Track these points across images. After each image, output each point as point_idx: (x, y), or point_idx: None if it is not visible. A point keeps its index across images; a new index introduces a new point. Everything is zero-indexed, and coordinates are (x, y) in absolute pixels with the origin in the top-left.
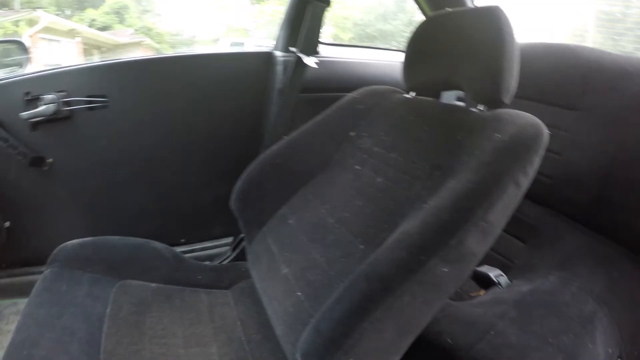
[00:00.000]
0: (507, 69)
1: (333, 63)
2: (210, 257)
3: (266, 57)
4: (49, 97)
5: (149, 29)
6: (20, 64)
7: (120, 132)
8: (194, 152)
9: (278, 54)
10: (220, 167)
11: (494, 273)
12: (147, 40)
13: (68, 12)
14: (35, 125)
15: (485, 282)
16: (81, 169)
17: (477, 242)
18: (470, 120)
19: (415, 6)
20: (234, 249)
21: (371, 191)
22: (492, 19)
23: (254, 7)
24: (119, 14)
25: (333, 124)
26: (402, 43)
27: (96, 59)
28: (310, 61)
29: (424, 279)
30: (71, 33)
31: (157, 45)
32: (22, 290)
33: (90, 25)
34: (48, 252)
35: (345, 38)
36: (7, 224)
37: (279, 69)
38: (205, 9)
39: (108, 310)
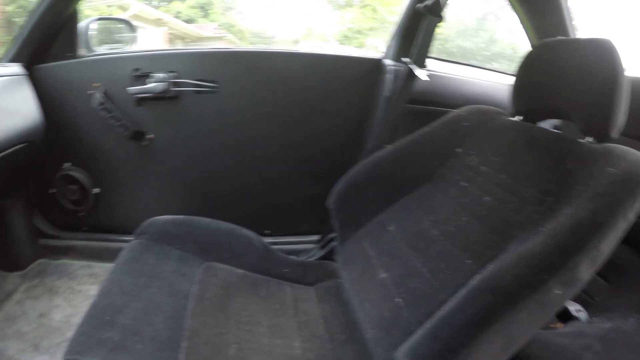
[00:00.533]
0: (618, 103)
1: (439, 77)
2: (294, 252)
3: (375, 64)
4: (160, 75)
5: (232, 26)
6: (127, 42)
7: (224, 118)
8: (292, 148)
9: (388, 62)
10: (316, 166)
11: (573, 307)
12: (229, 36)
13: (155, 2)
14: (140, 101)
15: (564, 316)
16: (179, 149)
17: (587, 269)
18: (582, 151)
19: (496, 25)
20: (322, 247)
21: (478, 209)
22: (605, 51)
23: (335, 14)
24: (204, 9)
25: (439, 138)
26: (482, 61)
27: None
28: (421, 73)
29: (541, 298)
30: (158, 22)
31: (238, 42)
32: (98, 255)
33: (176, 17)
34: (131, 223)
35: None
36: (97, 190)
37: (389, 77)
38: (286, 12)
39: (194, 289)
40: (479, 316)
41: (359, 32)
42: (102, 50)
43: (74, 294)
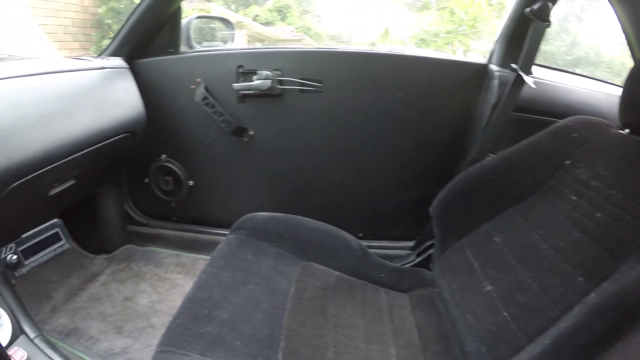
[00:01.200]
0: None
1: (543, 85)
2: (386, 257)
3: (481, 70)
4: (265, 73)
5: (309, 29)
6: (226, 40)
7: (326, 118)
8: (391, 151)
9: (494, 68)
10: (415, 171)
11: None
12: (307, 39)
13: (233, 7)
14: (243, 98)
15: None
16: (279, 147)
17: None
18: None
19: (579, 28)
20: (418, 254)
21: (589, 225)
22: None
23: (411, 17)
24: (281, 12)
25: (547, 148)
26: (563, 66)
27: None
28: (529, 80)
29: None
30: (238, 25)
31: (315, 45)
32: (187, 245)
33: (254, 20)
34: (223, 217)
35: None
36: (191, 182)
37: (495, 83)
38: (363, 15)
39: (292, 288)
40: (604, 333)
41: (436, 35)
42: (199, 47)
43: (160, 281)
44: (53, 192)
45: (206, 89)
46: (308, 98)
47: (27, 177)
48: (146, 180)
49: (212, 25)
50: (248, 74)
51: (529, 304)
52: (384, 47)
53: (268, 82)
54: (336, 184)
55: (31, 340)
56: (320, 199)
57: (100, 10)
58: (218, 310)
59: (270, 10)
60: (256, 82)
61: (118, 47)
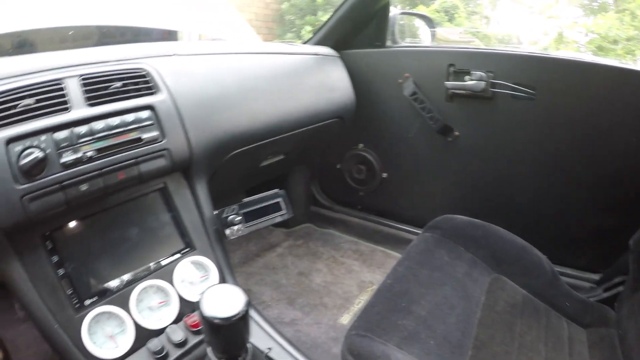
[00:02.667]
0: None
1: None
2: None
3: None
4: (479, 74)
5: (477, 31)
6: (425, 37)
7: (535, 129)
8: (594, 171)
9: None
10: (615, 196)
11: None
12: (476, 41)
13: (399, 6)
14: (452, 97)
15: None
16: (482, 152)
17: None
18: None
19: None
20: (605, 290)
21: None
22: None
23: (587, 20)
24: (449, 13)
25: None
26: None
27: None
28: None
29: None
30: None
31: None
32: (368, 235)
33: None
34: (411, 214)
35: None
36: (385, 175)
37: None
38: (533, 17)
39: (483, 298)
40: None
41: (614, 41)
42: (403, 43)
43: (336, 264)
44: (264, 163)
45: (414, 84)
46: (519, 104)
47: (250, 146)
48: (338, 166)
49: (412, 22)
50: (460, 73)
51: None
52: (560, 53)
53: (482, 84)
54: (531, 198)
55: None
56: (513, 211)
57: (282, 6)
58: (415, 305)
59: (437, 11)
60: (470, 83)
61: (324, 36)
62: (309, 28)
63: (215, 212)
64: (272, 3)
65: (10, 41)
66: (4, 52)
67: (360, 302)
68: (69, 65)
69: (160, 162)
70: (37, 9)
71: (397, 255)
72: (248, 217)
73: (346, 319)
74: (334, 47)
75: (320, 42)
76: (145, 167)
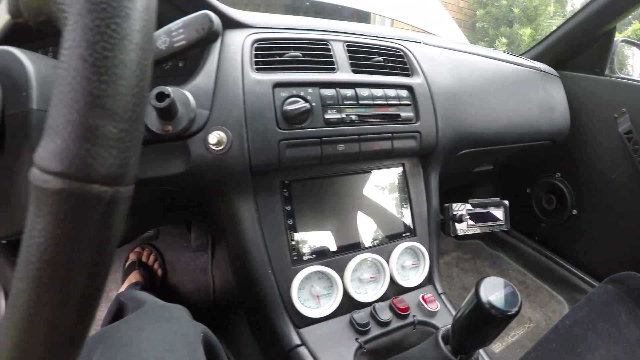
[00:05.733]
0: None
1: None
2: None
3: None
4: None
5: None
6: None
7: None
8: None
9: None
10: None
11: None
12: None
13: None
14: None
15: None
16: None
17: None
18: None
19: None
20: None
21: None
22: None
23: None
24: None
25: None
26: None
27: None
28: None
29: None
30: None
31: None
32: (537, 269)
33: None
34: (593, 261)
35: None
36: (575, 211)
37: None
38: None
39: None
40: None
41: None
42: (619, 73)
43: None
44: (476, 169)
45: (631, 121)
46: None
47: (479, 149)
48: (528, 191)
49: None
50: None
51: None
52: None
53: None
54: None
55: (438, 294)
56: None
57: (477, 12)
58: (589, 355)
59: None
60: None
61: (541, 52)
62: (504, 40)
63: (447, 205)
64: (465, 9)
65: None
66: None
67: (515, 335)
68: (333, 31)
69: (411, 143)
70: None
71: (561, 299)
72: (472, 218)
73: (498, 347)
74: (550, 64)
75: (536, 57)
76: (397, 143)
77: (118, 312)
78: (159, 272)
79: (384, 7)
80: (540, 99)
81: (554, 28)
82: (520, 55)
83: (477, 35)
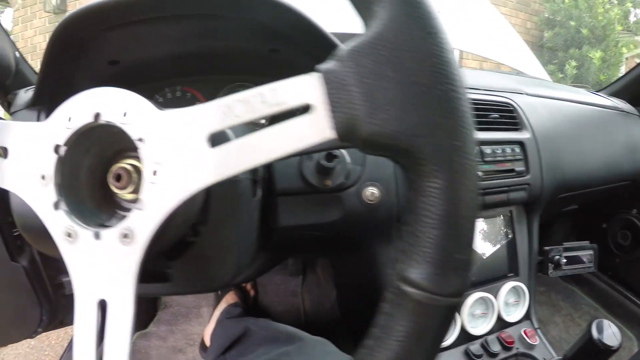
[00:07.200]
0: None
1: None
2: None
3: None
4: None
5: None
6: None
7: None
8: None
9: None
10: None
11: None
12: None
13: None
14: None
15: None
16: None
17: None
18: None
19: None
20: None
21: None
22: None
23: None
24: None
25: None
26: None
27: None
28: None
29: None
30: None
31: None
32: (607, 304)
33: None
34: None
35: None
36: None
37: None
38: None
39: None
40: None
41: None
42: None
43: (573, 324)
44: (565, 209)
45: None
46: None
47: (574, 192)
48: (604, 226)
49: None
50: None
51: None
52: None
53: None
54: None
55: (535, 329)
56: None
57: (545, 34)
58: None
59: None
60: None
61: (621, 89)
62: (573, 63)
63: (546, 248)
64: (533, 29)
65: None
66: None
67: None
68: None
69: (522, 194)
70: None
71: (631, 335)
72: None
73: None
74: (629, 102)
75: (615, 94)
76: (512, 195)
77: (241, 337)
78: (252, 292)
79: (471, 44)
80: (623, 140)
81: (621, 45)
82: (598, 91)
83: (545, 57)
